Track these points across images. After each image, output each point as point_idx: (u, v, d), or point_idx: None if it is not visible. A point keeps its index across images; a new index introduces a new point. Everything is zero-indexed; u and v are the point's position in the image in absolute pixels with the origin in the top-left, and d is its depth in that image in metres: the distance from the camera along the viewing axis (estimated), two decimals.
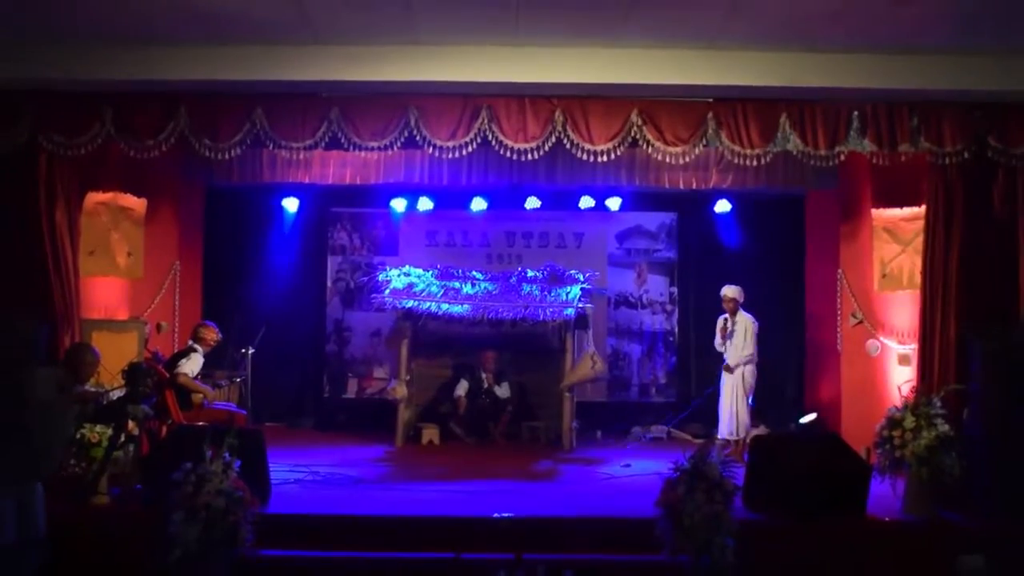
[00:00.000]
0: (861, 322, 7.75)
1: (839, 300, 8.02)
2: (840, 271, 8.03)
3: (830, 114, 6.54)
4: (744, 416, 7.75)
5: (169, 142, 6.55)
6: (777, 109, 6.58)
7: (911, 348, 7.14)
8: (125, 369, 5.83)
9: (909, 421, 5.67)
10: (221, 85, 6.49)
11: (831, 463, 5.58)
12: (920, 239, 6.92)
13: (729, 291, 7.95)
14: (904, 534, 5.44)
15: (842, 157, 6.61)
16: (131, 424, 5.63)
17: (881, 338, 7.58)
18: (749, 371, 7.79)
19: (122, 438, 5.58)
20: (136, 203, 7.86)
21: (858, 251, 7.87)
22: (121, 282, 7.71)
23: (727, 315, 7.94)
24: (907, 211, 7.41)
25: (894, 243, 7.51)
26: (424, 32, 6.16)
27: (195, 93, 6.53)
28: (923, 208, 6.90)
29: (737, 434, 7.72)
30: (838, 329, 8.04)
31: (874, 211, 7.62)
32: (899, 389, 6.51)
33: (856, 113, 6.52)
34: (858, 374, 7.75)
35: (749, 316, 7.90)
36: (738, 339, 7.83)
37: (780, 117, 6.56)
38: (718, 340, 7.99)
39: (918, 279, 6.95)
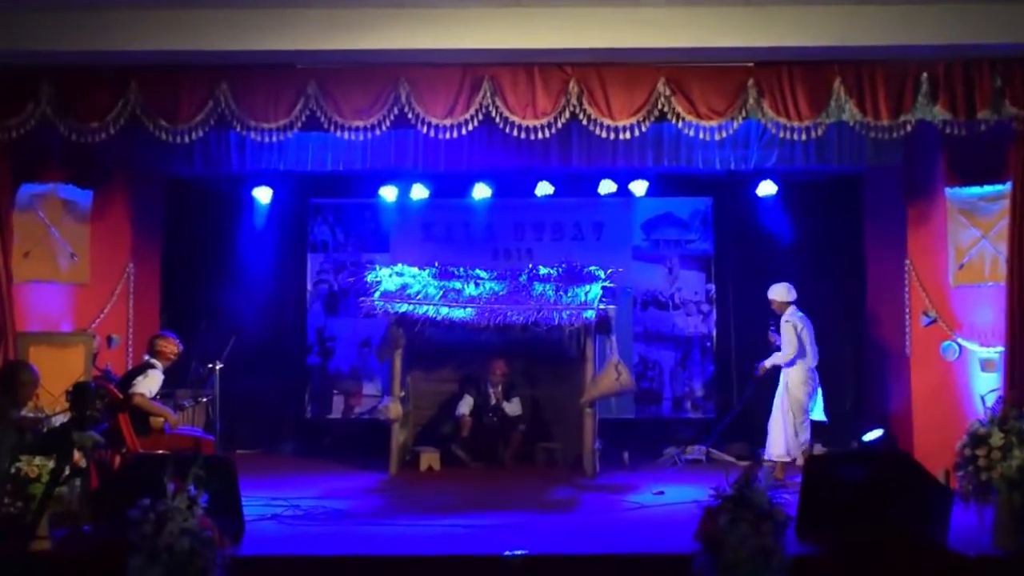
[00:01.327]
0: (934, 321, 7.68)
1: (907, 296, 7.96)
2: (908, 261, 7.97)
3: (894, 77, 6.49)
4: (791, 434, 7.71)
5: (119, 124, 6.53)
6: (830, 73, 6.55)
7: (996, 351, 7.06)
8: (70, 390, 5.77)
9: (997, 438, 5.56)
10: (179, 56, 6.48)
11: (902, 488, 5.52)
12: (1005, 222, 6.87)
13: (771, 292, 8.03)
14: (995, 572, 5.34)
15: (908, 128, 6.57)
16: (77, 454, 5.59)
17: (959, 340, 7.52)
18: (794, 380, 7.76)
19: (67, 471, 5.53)
20: (80, 196, 7.81)
21: (929, 237, 7.81)
22: (64, 288, 7.68)
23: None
24: (988, 190, 7.33)
25: (973, 227, 7.43)
26: None
27: (149, 66, 6.51)
28: (1008, 186, 6.84)
29: (790, 454, 7.69)
30: (907, 330, 7.97)
31: (948, 190, 7.55)
32: (983, 400, 6.46)
33: (925, 75, 6.46)
34: (932, 382, 7.69)
35: (795, 315, 7.89)
36: (785, 344, 7.85)
37: (834, 82, 6.55)
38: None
39: (1003, 269, 6.89)
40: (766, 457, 7.82)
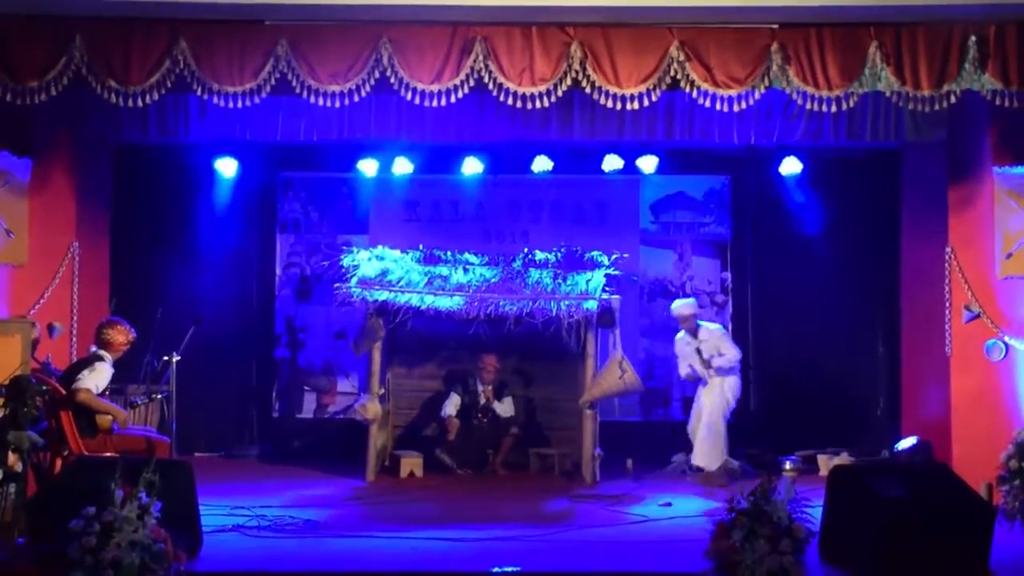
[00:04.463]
0: (978, 317, 7.69)
1: (948, 288, 7.96)
2: (949, 249, 7.96)
3: (937, 40, 6.49)
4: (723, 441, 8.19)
5: (61, 83, 6.51)
6: (864, 36, 6.56)
7: None
8: (5, 384, 5.80)
9: None
10: (131, 8, 6.45)
11: (938, 503, 5.51)
12: None
13: (684, 308, 8.40)
14: None
15: (953, 99, 6.57)
16: (13, 457, 5.58)
17: (1006, 337, 7.54)
18: (731, 384, 8.26)
19: (0, 476, 5.52)
20: (17, 165, 7.75)
21: (974, 223, 7.82)
22: None
23: (687, 336, 8.29)
24: None
25: (1023, 211, 7.44)
26: None
27: (96, 18, 6.50)
28: None
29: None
30: (946, 326, 7.97)
31: (996, 170, 7.56)
32: None
33: (973, 38, 6.45)
34: (974, 385, 7.71)
35: (711, 325, 8.44)
36: (730, 349, 8.26)
37: (868, 46, 6.56)
38: (692, 370, 8.28)
39: None
40: (705, 467, 8.10)
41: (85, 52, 6.47)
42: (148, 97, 6.63)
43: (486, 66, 6.60)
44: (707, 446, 8.07)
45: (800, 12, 6.49)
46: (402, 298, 8.25)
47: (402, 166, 9.32)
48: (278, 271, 9.95)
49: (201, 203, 9.60)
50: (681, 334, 8.42)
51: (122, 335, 7.17)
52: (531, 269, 8.56)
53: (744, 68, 6.61)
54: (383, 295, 8.27)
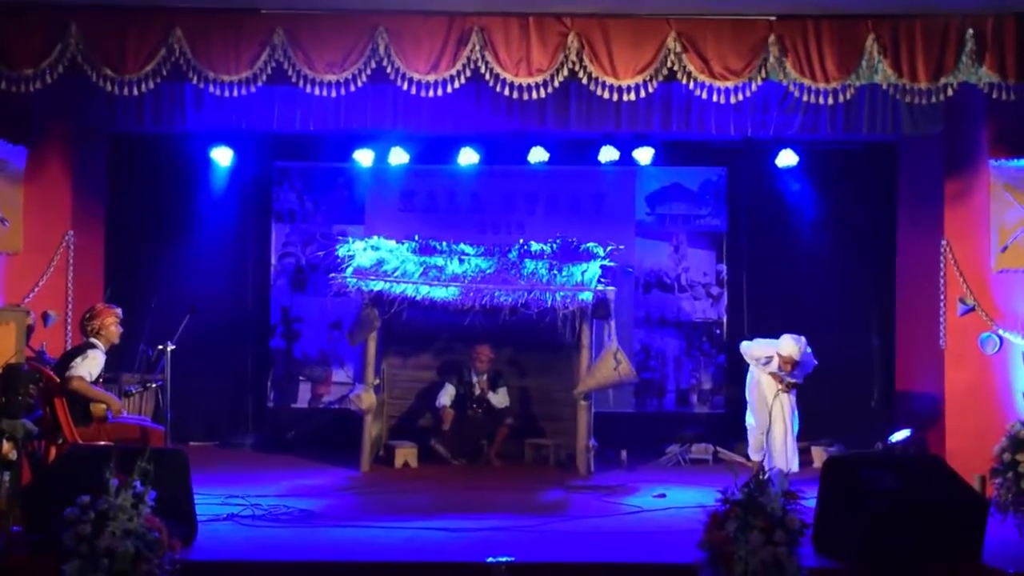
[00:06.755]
0: (972, 310, 7.71)
1: (943, 281, 7.98)
2: (944, 242, 7.98)
3: (934, 33, 6.49)
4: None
5: (57, 72, 6.50)
6: (862, 28, 6.56)
7: None
8: (0, 373, 5.76)
9: None
10: None
11: (931, 495, 5.54)
12: None
13: (792, 350, 7.67)
14: None
15: (950, 92, 6.58)
16: (7, 445, 5.57)
17: (1000, 331, 7.54)
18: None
19: None
20: (12, 153, 7.73)
21: (969, 216, 7.84)
22: None
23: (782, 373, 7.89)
24: None
25: (1019, 205, 7.46)
26: None
27: (91, 6, 6.47)
28: None
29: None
30: (941, 319, 8.00)
31: (992, 163, 7.56)
32: None
33: (971, 31, 6.46)
34: (968, 378, 7.74)
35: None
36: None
37: (866, 39, 6.56)
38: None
39: None
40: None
41: (81, 40, 6.46)
42: (144, 86, 6.64)
43: (483, 56, 6.60)
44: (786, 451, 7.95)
45: (798, 4, 6.52)
46: (397, 288, 8.25)
47: (398, 156, 9.32)
48: (273, 261, 9.94)
49: (197, 192, 9.60)
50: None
51: (102, 317, 6.97)
52: (526, 260, 8.56)
53: (741, 60, 6.62)
54: (378, 285, 8.27)
